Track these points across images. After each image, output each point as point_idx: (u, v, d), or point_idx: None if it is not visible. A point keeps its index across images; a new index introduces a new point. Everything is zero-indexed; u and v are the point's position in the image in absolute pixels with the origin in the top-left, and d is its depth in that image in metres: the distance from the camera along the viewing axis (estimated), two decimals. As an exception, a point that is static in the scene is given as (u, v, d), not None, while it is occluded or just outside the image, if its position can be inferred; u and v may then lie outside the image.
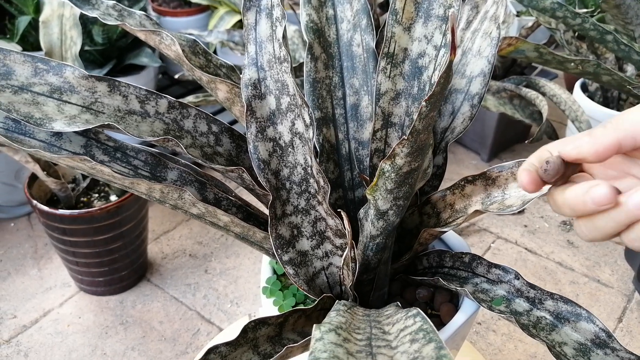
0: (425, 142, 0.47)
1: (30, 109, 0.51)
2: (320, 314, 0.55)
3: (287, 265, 0.57)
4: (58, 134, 0.56)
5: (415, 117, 0.43)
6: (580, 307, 0.57)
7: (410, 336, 0.37)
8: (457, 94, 0.63)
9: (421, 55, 0.59)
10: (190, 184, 0.61)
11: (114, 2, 0.64)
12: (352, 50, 0.63)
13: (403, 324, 0.40)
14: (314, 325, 0.37)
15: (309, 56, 0.62)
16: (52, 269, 1.28)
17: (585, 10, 1.54)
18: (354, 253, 0.54)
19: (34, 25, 1.47)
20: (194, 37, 0.65)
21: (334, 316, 0.41)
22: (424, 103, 0.41)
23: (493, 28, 0.61)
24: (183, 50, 0.59)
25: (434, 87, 0.40)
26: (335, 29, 0.64)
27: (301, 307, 0.51)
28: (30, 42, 1.50)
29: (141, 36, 0.60)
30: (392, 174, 0.48)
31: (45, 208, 1.03)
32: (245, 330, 0.46)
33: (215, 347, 0.44)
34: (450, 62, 0.39)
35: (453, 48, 0.37)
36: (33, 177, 1.10)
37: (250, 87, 0.58)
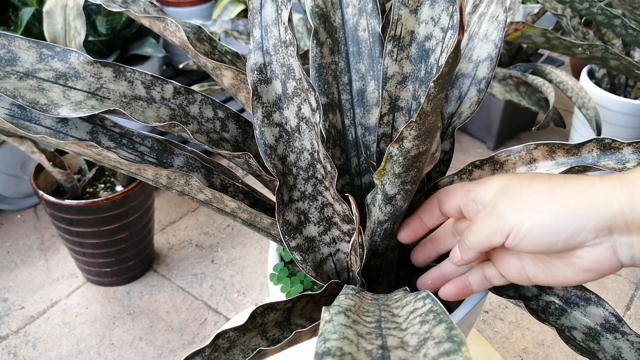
0: (434, 124, 0.46)
1: (36, 95, 0.51)
2: (328, 299, 0.55)
3: (294, 252, 0.56)
4: (64, 121, 0.55)
5: (423, 99, 0.43)
6: (589, 291, 0.56)
7: (420, 318, 0.37)
8: (463, 79, 0.62)
9: (428, 38, 0.58)
10: (196, 170, 0.61)
11: None
12: (358, 35, 0.63)
13: (412, 306, 0.40)
14: (324, 307, 0.37)
15: (315, 41, 0.61)
16: (59, 260, 1.28)
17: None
18: (362, 239, 0.54)
19: (37, 17, 1.47)
20: (198, 24, 0.65)
21: (342, 299, 0.41)
22: (432, 84, 0.40)
23: (500, 11, 0.61)
24: (188, 37, 0.59)
25: (442, 68, 0.40)
26: (341, 14, 0.63)
27: (309, 292, 0.51)
28: (34, 33, 1.49)
29: (145, 23, 0.60)
30: (400, 158, 0.48)
31: (52, 199, 1.03)
32: (253, 315, 0.46)
33: (224, 332, 0.44)
34: (459, 42, 0.38)
35: (461, 28, 0.36)
36: (39, 168, 1.10)
37: (256, 72, 0.58)
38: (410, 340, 0.34)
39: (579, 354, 0.52)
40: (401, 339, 0.35)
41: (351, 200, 0.49)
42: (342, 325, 0.35)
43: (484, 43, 0.61)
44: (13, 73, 0.51)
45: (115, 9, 0.60)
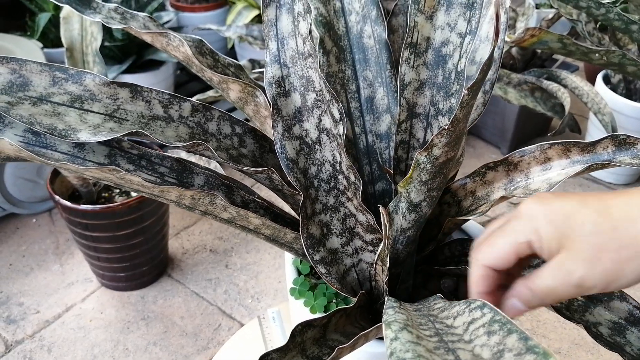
0: (463, 130, 0.46)
1: (53, 120, 0.49)
2: (358, 311, 0.55)
3: (318, 265, 0.56)
4: (80, 145, 0.54)
5: (448, 105, 0.42)
6: None
7: (484, 329, 0.35)
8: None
9: (444, 44, 0.58)
10: (217, 188, 0.60)
11: (116, 4, 0.62)
12: (363, 42, 0.63)
13: (469, 316, 0.38)
14: (384, 324, 0.36)
15: (321, 50, 0.61)
16: (73, 264, 1.29)
17: (608, 0, 1.52)
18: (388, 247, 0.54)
19: (54, 22, 1.48)
20: (199, 37, 0.63)
21: (393, 314, 0.39)
22: (466, 92, 0.40)
23: (500, 12, 0.60)
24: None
25: (477, 74, 0.39)
26: (344, 22, 0.63)
27: (342, 306, 0.51)
28: (50, 38, 1.51)
29: (147, 39, 0.58)
30: (428, 165, 0.48)
31: (68, 203, 1.03)
32: (293, 334, 0.45)
33: (267, 354, 0.43)
34: (494, 49, 0.38)
35: (496, 34, 0.36)
36: (55, 173, 1.11)
37: (274, 85, 0.57)
38: (482, 353, 0.33)
39: (608, 349, 0.52)
40: (472, 352, 0.34)
41: (382, 210, 0.49)
42: (410, 342, 0.33)
43: (485, 45, 0.61)
44: (26, 98, 0.50)
45: (115, 25, 0.59)
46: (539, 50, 1.66)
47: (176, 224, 1.41)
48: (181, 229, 1.40)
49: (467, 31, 0.57)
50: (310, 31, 0.56)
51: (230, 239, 1.37)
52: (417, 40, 0.58)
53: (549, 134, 1.28)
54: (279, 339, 0.99)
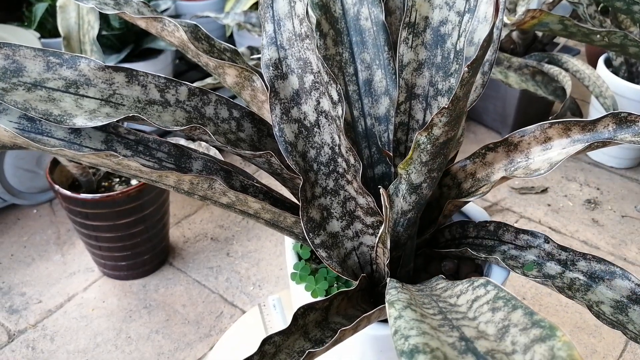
0: (463, 109, 0.45)
1: (48, 106, 0.49)
2: (360, 295, 0.55)
3: (319, 249, 0.56)
4: (77, 131, 0.53)
5: (448, 84, 0.42)
6: (614, 265, 0.56)
7: (488, 305, 0.35)
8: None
9: (443, 23, 0.58)
10: (216, 172, 0.59)
11: None
12: (360, 25, 0.62)
13: (472, 294, 0.38)
14: (387, 303, 0.36)
15: (318, 33, 0.60)
16: (75, 254, 1.29)
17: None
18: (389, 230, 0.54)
19: (51, 12, 1.47)
20: (194, 23, 0.63)
21: (396, 293, 0.39)
22: (466, 69, 0.40)
23: None
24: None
25: (476, 51, 0.39)
26: (341, 4, 0.62)
27: (343, 289, 0.51)
28: (47, 28, 1.50)
29: (141, 24, 0.57)
30: (428, 146, 0.47)
31: (68, 193, 1.03)
32: (295, 317, 0.46)
33: (269, 337, 0.43)
34: (493, 25, 0.37)
35: (496, 11, 0.35)
36: (54, 163, 1.11)
37: (271, 68, 0.57)
38: (487, 329, 0.33)
39: (611, 328, 0.51)
40: (476, 329, 0.33)
41: (382, 192, 0.48)
42: (414, 320, 0.33)
43: (484, 25, 0.60)
44: (20, 84, 0.49)
45: (108, 11, 0.58)
46: (539, 34, 1.65)
47: (177, 213, 1.41)
48: (182, 217, 1.40)
49: (466, 9, 0.56)
50: (307, 12, 0.55)
51: (231, 227, 1.37)
52: (415, 19, 0.58)
53: (550, 118, 1.28)
54: (280, 326, 0.99)
